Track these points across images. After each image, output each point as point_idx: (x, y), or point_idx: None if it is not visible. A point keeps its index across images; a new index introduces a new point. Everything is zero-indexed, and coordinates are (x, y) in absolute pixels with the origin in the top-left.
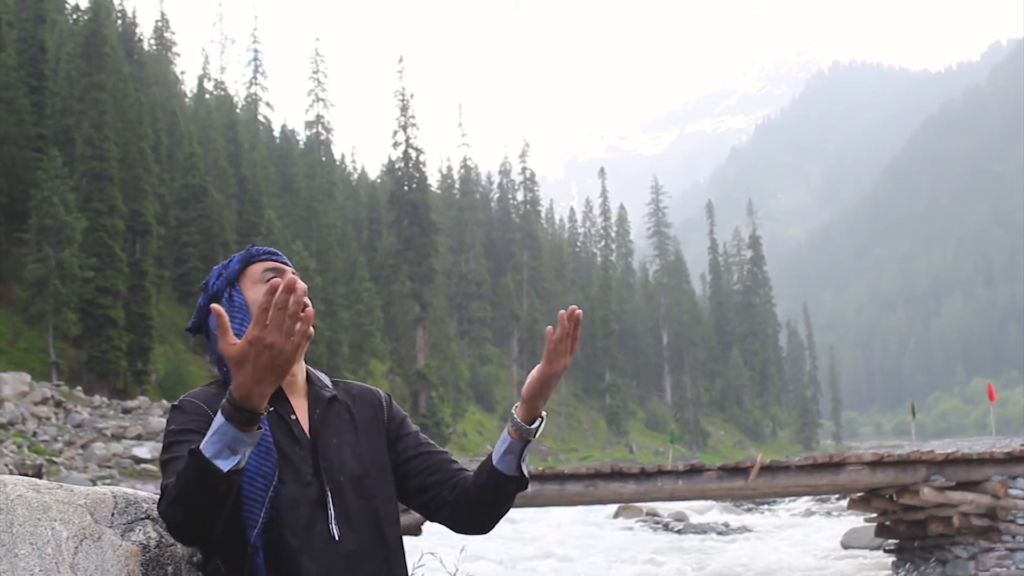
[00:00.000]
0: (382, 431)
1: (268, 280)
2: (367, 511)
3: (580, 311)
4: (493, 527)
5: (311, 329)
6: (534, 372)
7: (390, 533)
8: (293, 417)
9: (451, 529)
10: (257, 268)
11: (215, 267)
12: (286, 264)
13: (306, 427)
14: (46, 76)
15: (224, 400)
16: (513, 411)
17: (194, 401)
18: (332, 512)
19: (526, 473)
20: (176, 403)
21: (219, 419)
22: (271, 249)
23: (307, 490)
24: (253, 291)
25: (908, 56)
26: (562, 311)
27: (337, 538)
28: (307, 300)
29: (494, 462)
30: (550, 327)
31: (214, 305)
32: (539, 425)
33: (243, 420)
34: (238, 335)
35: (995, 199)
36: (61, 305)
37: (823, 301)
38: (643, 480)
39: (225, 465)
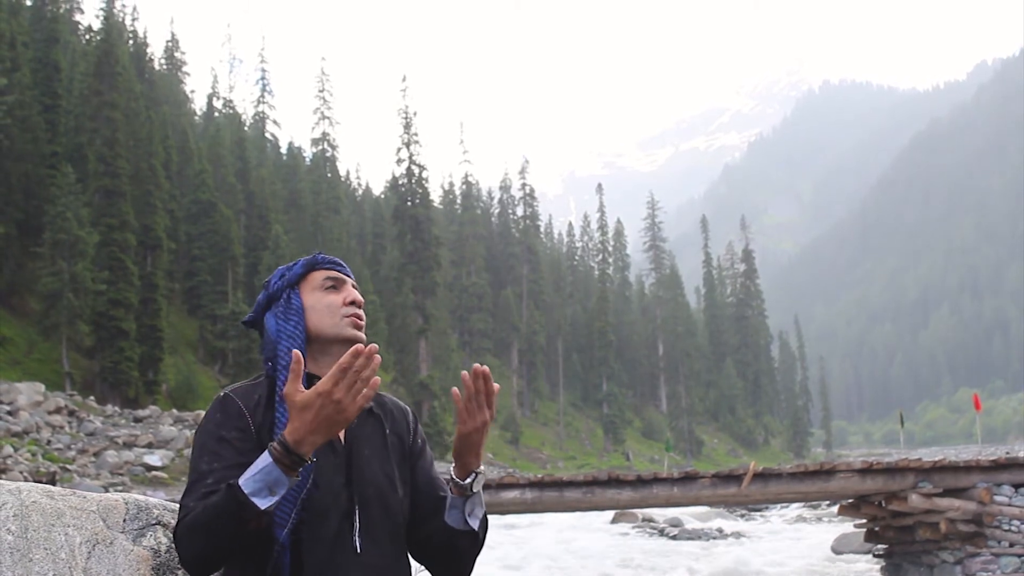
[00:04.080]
0: (405, 452)
1: (327, 288)
2: (389, 527)
3: (486, 367)
4: None
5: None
6: (456, 432)
7: (404, 551)
8: None
9: (430, 572)
10: (319, 275)
11: (279, 268)
12: (348, 276)
13: (342, 436)
14: (60, 95)
15: (274, 442)
16: (451, 468)
17: (237, 403)
18: (358, 524)
19: (474, 527)
20: (222, 395)
21: (266, 459)
22: (336, 260)
23: (337, 500)
24: (311, 296)
25: (896, 75)
26: (465, 372)
27: (359, 550)
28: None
29: (444, 517)
30: (456, 389)
31: (295, 352)
32: (473, 480)
33: (290, 464)
34: (292, 337)
35: (981, 214)
36: (74, 317)
37: (814, 313)
38: (639, 487)
39: (263, 504)
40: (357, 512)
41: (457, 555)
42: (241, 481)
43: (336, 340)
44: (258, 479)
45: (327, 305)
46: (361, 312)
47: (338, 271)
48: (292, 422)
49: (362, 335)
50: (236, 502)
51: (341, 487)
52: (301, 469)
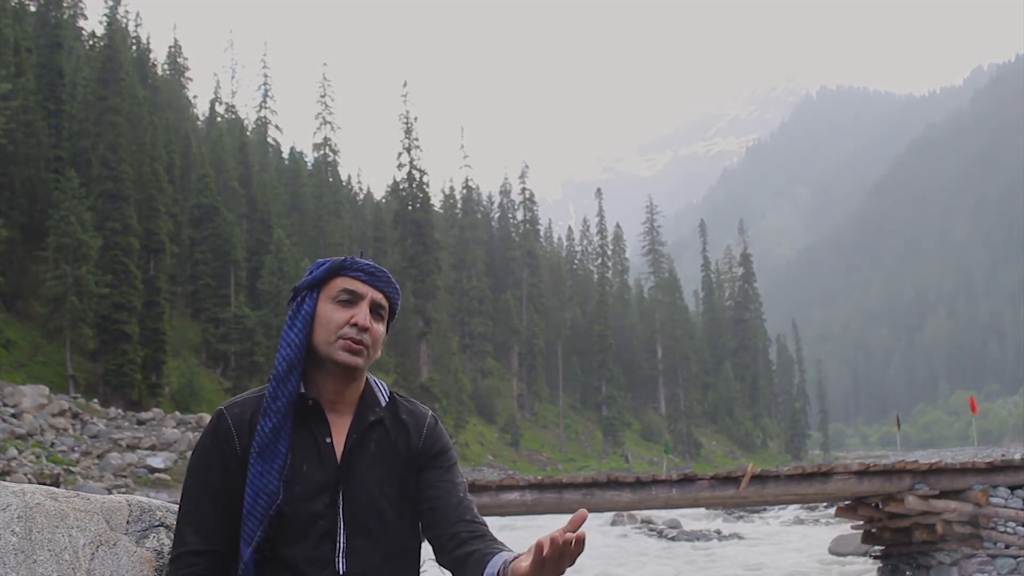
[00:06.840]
0: (411, 459)
1: (340, 300)
2: (385, 546)
3: (580, 533)
4: None
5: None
6: (524, 569)
7: (406, 569)
8: (328, 440)
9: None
10: (338, 284)
11: (317, 260)
12: (375, 287)
13: (340, 451)
14: (63, 100)
15: None
16: (510, 571)
17: (227, 422)
18: (341, 545)
19: None
20: (218, 411)
21: None
22: (368, 267)
23: (316, 520)
24: (324, 305)
25: (893, 81)
26: (547, 538)
27: (342, 572)
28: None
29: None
30: (543, 541)
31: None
32: None
33: None
34: (291, 345)
35: (977, 219)
36: (78, 320)
37: (811, 317)
38: (638, 489)
39: None
40: (341, 532)
41: None
42: None
43: (327, 360)
44: None
45: (329, 321)
46: (363, 337)
47: (364, 282)
48: None
49: (356, 360)
50: None
51: (325, 507)
52: (277, 482)
